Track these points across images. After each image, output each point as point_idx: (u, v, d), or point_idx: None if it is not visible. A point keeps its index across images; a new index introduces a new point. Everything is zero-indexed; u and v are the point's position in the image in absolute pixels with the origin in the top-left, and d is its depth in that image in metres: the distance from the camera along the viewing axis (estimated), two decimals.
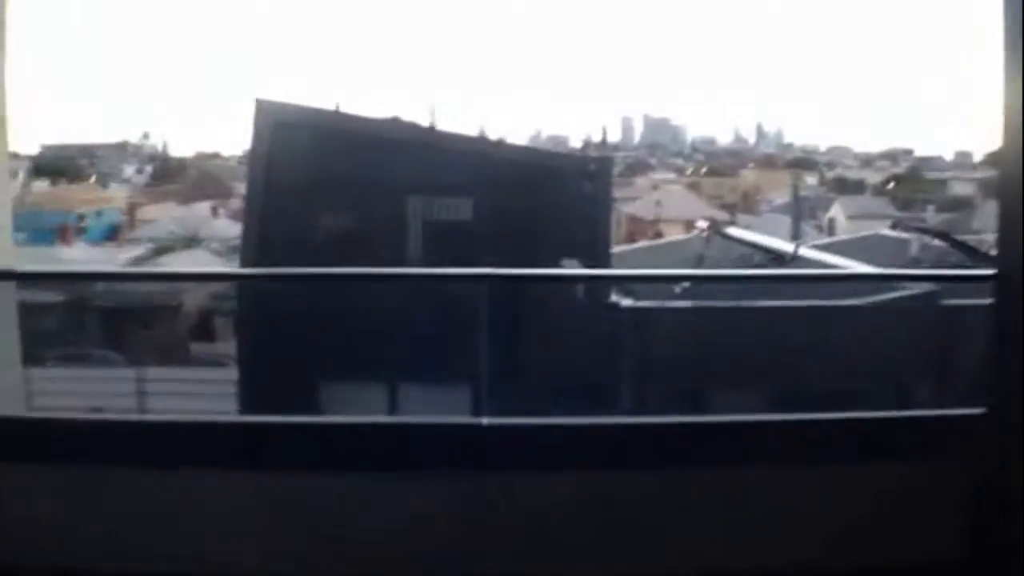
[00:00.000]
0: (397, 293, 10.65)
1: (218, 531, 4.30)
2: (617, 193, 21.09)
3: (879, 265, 14.07)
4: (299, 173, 13.86)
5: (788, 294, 11.99)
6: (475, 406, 10.94)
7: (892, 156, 40.23)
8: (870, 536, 4.32)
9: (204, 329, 22.20)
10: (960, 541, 4.14)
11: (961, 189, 34.20)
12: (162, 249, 26.51)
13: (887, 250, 16.50)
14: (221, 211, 30.81)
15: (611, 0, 45.88)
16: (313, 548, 4.30)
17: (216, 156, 40.77)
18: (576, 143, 37.83)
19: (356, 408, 12.57)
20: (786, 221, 24.99)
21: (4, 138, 4.75)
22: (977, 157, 35.83)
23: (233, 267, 20.09)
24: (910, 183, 36.37)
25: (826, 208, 31.84)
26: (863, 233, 19.77)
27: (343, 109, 16.53)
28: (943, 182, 36.43)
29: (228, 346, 17.97)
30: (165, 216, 30.71)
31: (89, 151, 39.56)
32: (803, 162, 39.39)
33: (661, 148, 43.01)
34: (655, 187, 34.22)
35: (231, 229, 24.46)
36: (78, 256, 25.04)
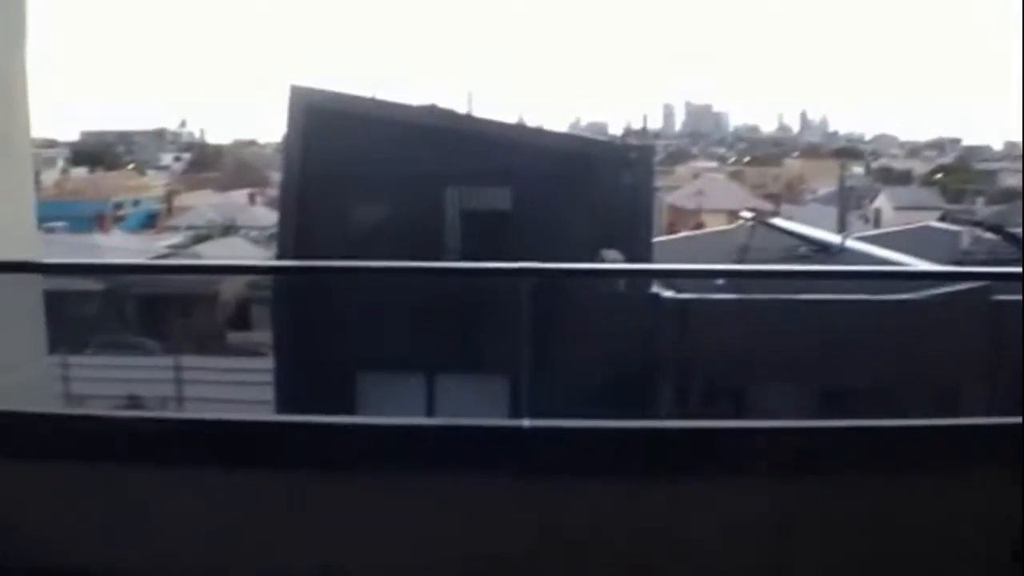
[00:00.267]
0: (435, 283, 10.44)
1: (242, 534, 4.14)
2: (658, 182, 20.76)
3: (929, 259, 13.74)
4: (335, 161, 13.76)
5: (835, 287, 11.69)
6: (513, 399, 10.90)
7: (939, 145, 39.59)
8: (904, 554, 4.06)
9: (241, 318, 22.18)
10: (1002, 560, 3.91)
11: (1012, 180, 33.50)
12: (199, 237, 26.55)
13: (938, 243, 16.10)
14: (258, 199, 30.84)
15: None
16: (343, 553, 4.13)
17: (253, 143, 40.94)
18: (616, 131, 37.52)
19: (392, 398, 12.45)
20: (831, 212, 24.58)
21: (27, 136, 4.76)
22: None
23: (270, 255, 20.02)
24: (958, 173, 35.70)
25: (872, 198, 31.30)
26: (912, 225, 19.35)
27: (379, 96, 16.35)
28: (992, 173, 35.71)
29: (265, 335, 17.89)
30: (202, 204, 30.77)
31: (127, 138, 39.85)
32: (848, 151, 38.79)
33: (703, 136, 42.60)
34: (696, 176, 33.84)
35: (268, 217, 24.41)
36: (115, 244, 25.15)
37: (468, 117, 17.09)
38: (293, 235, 14.06)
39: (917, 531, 4.03)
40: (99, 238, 25.78)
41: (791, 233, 16.20)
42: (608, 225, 13.26)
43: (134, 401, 16.09)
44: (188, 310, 21.46)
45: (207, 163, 39.18)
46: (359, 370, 12.99)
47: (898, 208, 28.58)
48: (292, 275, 11.11)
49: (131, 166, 37.71)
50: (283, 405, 13.28)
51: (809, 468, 4.08)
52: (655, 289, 12.56)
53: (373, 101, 15.67)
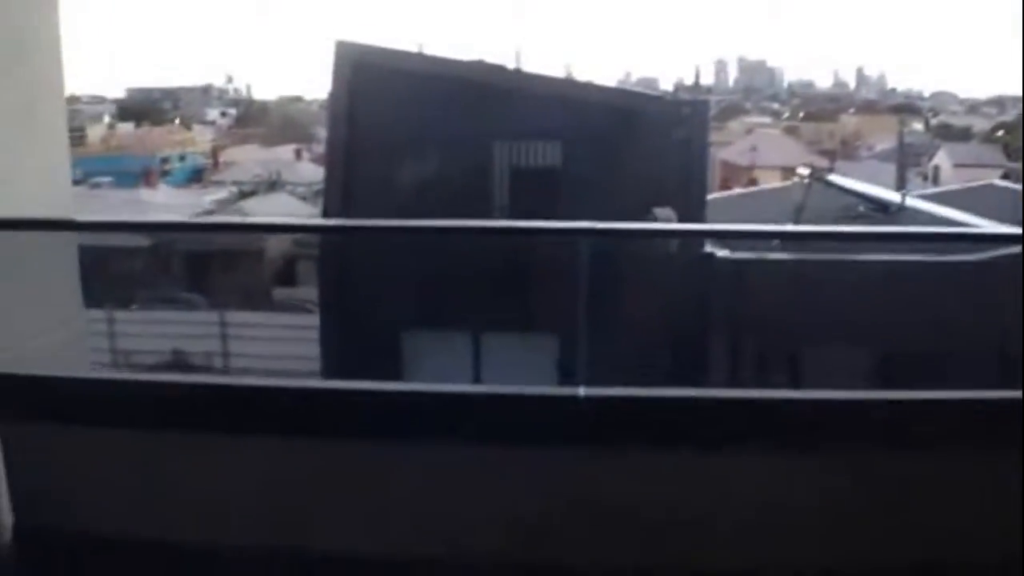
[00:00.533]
0: (484, 240, 10.25)
1: (283, 503, 4.04)
2: (710, 138, 20.38)
3: (992, 218, 13.33)
4: (382, 117, 13.59)
5: (893, 248, 11.35)
6: (560, 358, 10.71)
7: (999, 103, 38.56)
8: (916, 530, 3.87)
9: (286, 274, 22.15)
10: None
11: None
12: (245, 193, 26.53)
13: (1000, 202, 15.61)
14: (304, 154, 30.76)
15: None
16: (388, 524, 4.01)
17: (299, 100, 40.91)
18: (667, 86, 36.93)
19: (438, 356, 12.32)
20: (888, 168, 24.01)
21: (60, 93, 4.68)
22: None
23: (316, 211, 19.91)
24: (1019, 131, 34.82)
25: (931, 156, 30.63)
26: (974, 183, 18.83)
27: (426, 51, 16.11)
28: None
29: (310, 291, 17.82)
30: (248, 159, 30.75)
31: (173, 95, 39.99)
32: (905, 108, 37.92)
33: (756, 92, 41.82)
34: (750, 132, 33.23)
35: (314, 173, 24.29)
36: (161, 199, 25.21)
37: (517, 72, 16.76)
38: (339, 191, 13.94)
39: (960, 506, 3.83)
40: (145, 193, 25.85)
41: (848, 191, 15.82)
42: (660, 182, 12.98)
43: (179, 357, 16.09)
44: (233, 265, 21.45)
45: (253, 119, 39.27)
46: (405, 328, 12.90)
47: (958, 165, 27.93)
48: (343, 235, 10.97)
49: (177, 122, 37.82)
50: (328, 362, 13.21)
51: (862, 441, 3.88)
52: (709, 248, 12.26)
53: (420, 56, 15.46)
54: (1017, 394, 3.90)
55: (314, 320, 14.81)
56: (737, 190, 21.91)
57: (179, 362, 16.01)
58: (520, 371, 11.42)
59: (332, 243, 13.58)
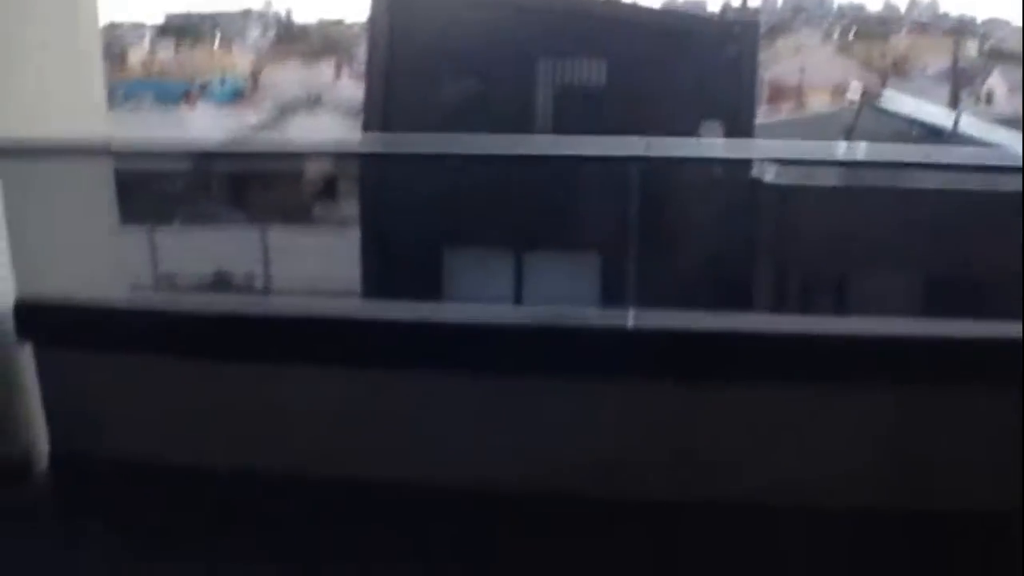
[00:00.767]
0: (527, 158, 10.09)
1: (331, 432, 4.04)
2: (759, 58, 19.93)
3: None
4: (422, 36, 13.39)
5: (948, 175, 11.02)
6: (603, 279, 10.58)
7: None
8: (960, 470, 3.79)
9: (327, 191, 22.06)
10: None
11: None
12: (285, 113, 26.37)
13: None
14: (344, 74, 30.49)
15: None
16: (428, 456, 3.98)
17: (339, 23, 40.58)
18: (715, 5, 36.16)
19: (480, 275, 12.25)
20: (941, 91, 23.38)
21: (94, 16, 4.64)
22: None
23: (356, 132, 19.75)
24: None
25: (984, 79, 29.87)
26: None
27: None
28: None
29: (351, 208, 17.71)
30: (288, 80, 30.55)
31: (213, 19, 39.83)
32: (958, 31, 36.93)
33: (805, 11, 40.88)
34: (799, 51, 32.49)
35: (355, 92, 24.06)
36: (201, 121, 25.13)
37: None
38: (379, 111, 13.77)
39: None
40: (186, 115, 25.82)
41: (901, 114, 15.41)
42: (708, 103, 12.72)
43: (220, 277, 16.10)
44: (273, 183, 21.39)
45: (293, 41, 39.07)
46: (446, 246, 12.81)
47: (1012, 89, 27.26)
48: (383, 159, 10.85)
49: (217, 45, 37.72)
50: (369, 281, 13.17)
51: (914, 376, 3.75)
52: (756, 172, 12.00)
53: None
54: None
55: (355, 237, 14.72)
56: (786, 112, 21.52)
57: (220, 281, 16.02)
58: (562, 291, 11.32)
59: (373, 159, 13.45)
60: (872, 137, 13.76)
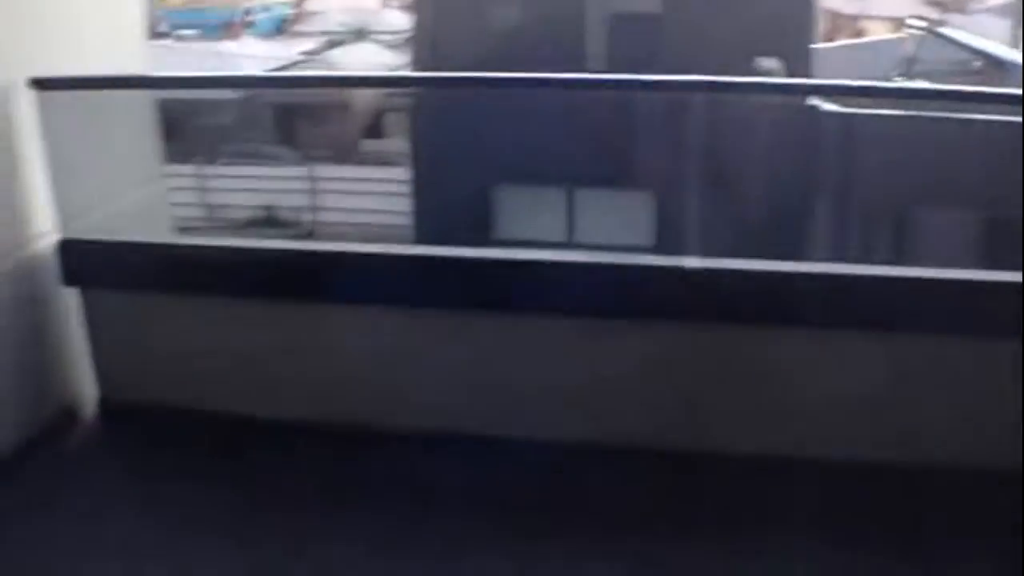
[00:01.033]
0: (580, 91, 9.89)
1: (380, 376, 3.95)
2: None
3: None
4: None
5: (1014, 109, 10.62)
6: (656, 216, 10.38)
7: None
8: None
9: (375, 126, 21.87)
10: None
11: None
12: (332, 43, 26.10)
13: None
14: (391, 2, 30.11)
15: None
16: (480, 398, 3.92)
17: None
18: None
19: (531, 212, 12.13)
20: (1002, 24, 22.62)
21: None
22: None
23: (404, 61, 19.54)
24: None
25: None
26: None
27: None
28: None
29: (400, 143, 17.58)
30: (333, 8, 30.19)
31: None
32: None
33: None
34: None
35: (402, 21, 23.74)
36: (246, 51, 24.96)
37: None
38: (428, 41, 13.54)
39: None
40: (229, 45, 25.63)
41: (963, 45, 14.89)
42: (765, 31, 12.35)
43: (269, 212, 16.08)
44: (321, 118, 21.24)
45: None
46: (496, 182, 12.65)
47: None
48: (433, 87, 10.67)
49: None
50: (418, 217, 13.06)
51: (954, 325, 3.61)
52: (813, 100, 11.68)
53: None
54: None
55: (404, 173, 14.60)
56: (844, 40, 21.02)
57: (267, 218, 16.00)
58: (615, 230, 11.15)
59: (422, 94, 13.28)
60: (933, 67, 13.38)
